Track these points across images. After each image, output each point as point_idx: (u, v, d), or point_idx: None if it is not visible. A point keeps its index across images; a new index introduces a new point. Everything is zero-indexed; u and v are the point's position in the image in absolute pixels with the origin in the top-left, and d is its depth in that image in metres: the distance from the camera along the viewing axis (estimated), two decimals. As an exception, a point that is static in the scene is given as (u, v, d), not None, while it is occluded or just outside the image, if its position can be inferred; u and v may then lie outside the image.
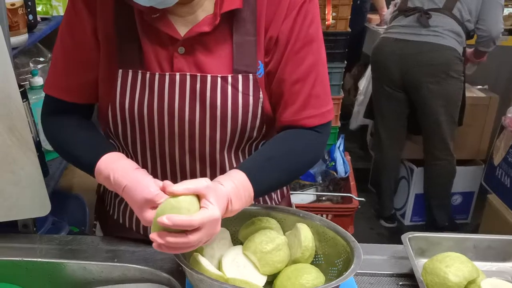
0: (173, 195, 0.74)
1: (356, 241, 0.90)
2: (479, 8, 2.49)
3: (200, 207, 0.75)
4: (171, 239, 0.73)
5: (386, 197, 2.97)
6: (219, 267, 0.90)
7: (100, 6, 0.94)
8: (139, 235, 1.08)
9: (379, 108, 2.82)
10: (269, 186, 0.93)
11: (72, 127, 0.99)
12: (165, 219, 0.71)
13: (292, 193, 2.52)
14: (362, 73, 3.75)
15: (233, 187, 0.82)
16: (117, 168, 0.86)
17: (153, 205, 0.78)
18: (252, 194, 0.85)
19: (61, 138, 0.99)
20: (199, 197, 0.76)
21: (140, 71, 0.92)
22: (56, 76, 1.01)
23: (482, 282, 0.91)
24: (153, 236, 0.74)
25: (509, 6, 3.63)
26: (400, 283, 1.00)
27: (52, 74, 1.02)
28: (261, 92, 0.93)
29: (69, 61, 0.98)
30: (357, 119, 3.58)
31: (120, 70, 0.93)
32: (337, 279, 0.81)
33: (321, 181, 2.61)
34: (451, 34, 2.49)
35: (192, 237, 0.74)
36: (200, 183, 0.76)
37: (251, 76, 0.92)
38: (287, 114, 0.96)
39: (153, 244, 0.75)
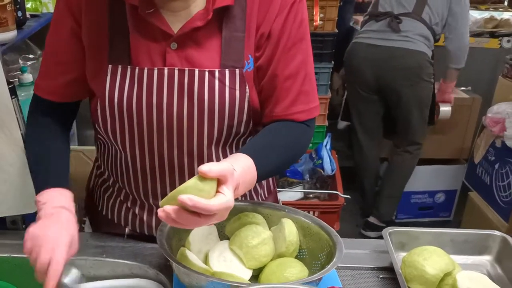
0: (204, 176, 0.74)
1: (339, 236, 0.94)
2: (446, 13, 2.55)
3: (217, 192, 0.76)
4: (185, 217, 0.73)
5: (369, 196, 3.01)
6: (206, 262, 0.93)
7: (89, 6, 0.95)
8: (128, 231, 1.09)
9: (355, 111, 2.87)
10: (269, 172, 0.96)
11: (48, 144, 1.02)
12: (187, 200, 0.71)
13: (280, 191, 2.58)
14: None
15: (241, 172, 0.82)
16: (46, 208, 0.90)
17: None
18: (255, 179, 0.87)
19: (34, 147, 1.04)
20: (219, 181, 0.76)
21: (129, 66, 0.94)
22: (41, 76, 1.04)
23: (457, 274, 0.95)
24: (167, 209, 0.73)
25: (491, 9, 3.72)
26: (381, 276, 1.03)
27: (39, 75, 1.05)
28: (247, 87, 0.96)
29: (50, 62, 1.02)
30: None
31: (110, 66, 0.95)
32: (319, 272, 0.84)
33: (308, 179, 2.65)
34: (421, 38, 2.55)
35: (204, 221, 0.75)
36: (227, 169, 0.77)
37: (237, 71, 0.95)
38: (279, 109, 0.99)
39: (161, 214, 0.74)
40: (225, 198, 0.75)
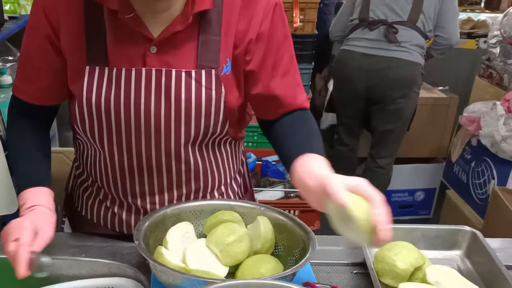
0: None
1: (312, 233, 0.96)
2: (436, 15, 2.52)
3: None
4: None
5: None
6: (183, 260, 0.95)
7: (66, 10, 0.96)
8: (107, 230, 1.11)
9: (339, 112, 2.85)
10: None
11: (27, 144, 1.05)
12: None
13: (261, 190, 2.60)
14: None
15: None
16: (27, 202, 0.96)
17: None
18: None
19: (14, 148, 1.06)
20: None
21: (106, 68, 0.96)
22: (18, 78, 1.06)
23: (427, 268, 0.99)
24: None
25: (468, 10, 3.79)
26: (354, 271, 1.06)
27: (16, 76, 1.06)
28: (223, 87, 0.98)
29: (27, 67, 1.04)
30: (328, 119, 3.68)
31: (87, 67, 0.96)
32: (292, 267, 0.87)
33: (289, 178, 2.67)
34: (417, 48, 2.51)
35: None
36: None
37: (213, 71, 0.97)
38: (285, 105, 1.06)
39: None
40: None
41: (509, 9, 2.76)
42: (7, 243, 0.86)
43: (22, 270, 0.83)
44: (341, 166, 2.94)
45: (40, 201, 0.96)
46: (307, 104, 1.10)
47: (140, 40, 0.95)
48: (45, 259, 0.87)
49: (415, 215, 3.20)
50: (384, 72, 2.49)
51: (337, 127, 2.93)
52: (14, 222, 0.89)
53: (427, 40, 2.59)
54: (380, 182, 2.84)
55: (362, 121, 2.81)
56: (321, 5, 3.81)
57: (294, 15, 2.65)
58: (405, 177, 3.08)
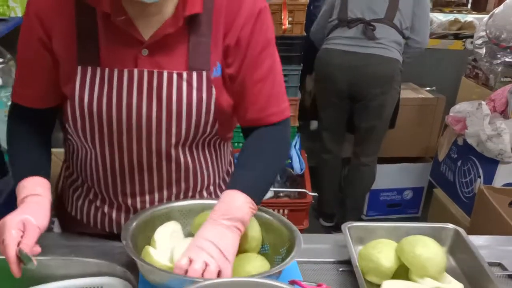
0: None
1: (298, 231, 0.98)
2: (411, 15, 2.58)
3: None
4: None
5: (329, 196, 3.04)
6: (171, 259, 0.96)
7: (57, 12, 0.97)
8: (97, 230, 1.12)
9: (323, 114, 2.86)
10: (261, 198, 1.02)
11: (27, 141, 1.06)
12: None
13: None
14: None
15: (244, 219, 0.94)
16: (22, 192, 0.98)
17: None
18: (255, 206, 0.97)
19: (13, 147, 1.07)
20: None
21: (98, 68, 0.97)
22: (17, 84, 1.07)
23: (384, 283, 0.97)
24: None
25: (455, 11, 3.84)
26: (340, 269, 1.08)
27: (15, 82, 1.07)
28: (213, 89, 1.00)
29: (24, 70, 1.05)
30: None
31: (79, 67, 0.97)
32: (278, 266, 0.88)
33: (279, 178, 2.70)
34: (395, 45, 2.56)
35: None
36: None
37: (204, 73, 0.99)
38: (251, 112, 1.05)
39: None
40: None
41: (494, 10, 2.80)
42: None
43: (13, 269, 0.86)
44: (326, 173, 2.96)
45: (36, 190, 0.97)
46: (279, 117, 1.07)
47: (132, 43, 0.96)
48: (24, 253, 0.88)
49: (403, 213, 3.23)
50: (364, 69, 2.55)
51: (320, 133, 2.94)
52: (1, 222, 0.91)
53: (405, 39, 2.64)
54: (365, 179, 2.88)
55: (345, 124, 2.84)
56: (311, 7, 3.85)
57: (282, 17, 2.66)
58: (394, 176, 3.11)
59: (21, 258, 0.88)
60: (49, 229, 1.22)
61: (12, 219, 0.90)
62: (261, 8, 1.01)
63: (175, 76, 0.97)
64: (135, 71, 0.96)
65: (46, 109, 1.07)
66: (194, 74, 0.98)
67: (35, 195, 0.96)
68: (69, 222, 1.16)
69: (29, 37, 1.01)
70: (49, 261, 1.01)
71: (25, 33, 1.02)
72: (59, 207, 1.20)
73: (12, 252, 0.86)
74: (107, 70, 0.96)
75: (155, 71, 0.96)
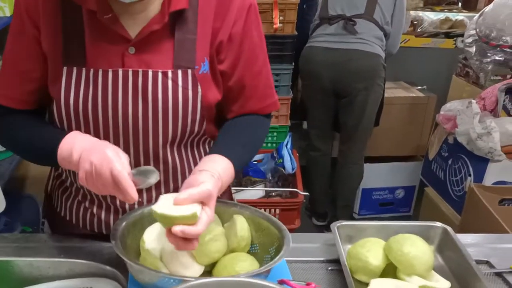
0: (180, 204, 0.84)
1: (287, 230, 0.98)
2: (391, 10, 2.62)
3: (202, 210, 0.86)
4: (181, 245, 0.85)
5: (320, 194, 3.06)
6: (160, 259, 0.96)
7: (43, 11, 0.97)
8: (86, 231, 1.12)
9: (310, 113, 2.88)
10: (241, 166, 1.04)
11: (26, 122, 1.03)
12: (179, 232, 0.82)
13: (243, 189, 2.62)
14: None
15: (223, 173, 0.93)
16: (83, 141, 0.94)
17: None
18: (234, 176, 0.98)
19: (16, 135, 1.03)
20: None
21: (84, 68, 0.96)
22: (2, 84, 1.05)
23: (372, 281, 0.98)
24: (176, 229, 0.83)
25: (446, 10, 3.86)
26: (329, 268, 1.08)
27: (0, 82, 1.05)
28: (199, 87, 1.00)
29: (12, 71, 1.03)
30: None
31: (65, 68, 0.97)
32: (266, 265, 0.89)
33: (270, 178, 2.71)
34: (376, 40, 2.59)
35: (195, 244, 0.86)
36: (203, 193, 0.86)
37: (190, 71, 0.99)
38: (249, 105, 1.09)
39: (171, 239, 0.85)
40: (207, 218, 0.86)
41: (484, 8, 2.82)
42: (101, 178, 0.87)
43: (134, 194, 0.86)
44: (315, 171, 2.97)
45: (88, 138, 0.95)
46: (271, 108, 1.13)
47: (118, 41, 0.96)
48: (142, 167, 0.91)
49: (395, 212, 3.25)
50: (346, 64, 2.57)
51: (309, 132, 2.96)
52: (94, 159, 0.87)
53: (387, 36, 2.67)
54: (353, 177, 2.90)
55: (333, 123, 2.85)
56: (304, 6, 3.85)
57: (274, 16, 2.67)
58: (386, 175, 3.13)
59: (138, 181, 0.89)
60: (38, 230, 1.22)
61: (108, 150, 0.88)
62: (250, 4, 1.03)
63: (160, 75, 0.97)
64: (120, 71, 0.96)
65: (33, 110, 1.06)
66: (180, 72, 0.98)
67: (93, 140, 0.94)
68: (59, 223, 1.16)
69: (21, 36, 0.99)
70: (38, 262, 1.01)
71: (16, 33, 1.01)
72: (48, 208, 1.20)
73: (127, 179, 0.86)
74: (92, 70, 0.96)
75: (140, 70, 0.96)
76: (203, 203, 0.86)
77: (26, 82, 1.02)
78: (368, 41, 2.57)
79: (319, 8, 2.71)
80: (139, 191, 0.98)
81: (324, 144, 2.92)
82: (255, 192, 2.59)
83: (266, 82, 1.10)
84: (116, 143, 1.00)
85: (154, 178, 0.92)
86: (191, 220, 0.83)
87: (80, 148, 0.91)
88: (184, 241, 0.84)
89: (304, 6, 3.83)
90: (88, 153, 0.89)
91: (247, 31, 1.03)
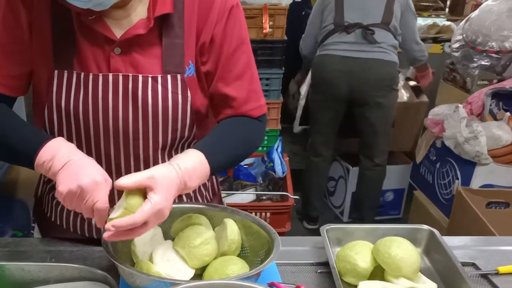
0: (120, 189, 0.83)
1: (277, 234, 0.99)
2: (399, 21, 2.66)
3: (145, 199, 0.83)
4: (123, 234, 0.83)
5: (316, 199, 3.08)
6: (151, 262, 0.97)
7: (37, 5, 0.97)
8: (77, 235, 1.13)
9: (316, 118, 2.87)
10: (222, 166, 1.02)
11: (4, 115, 0.99)
12: (110, 227, 0.80)
13: (233, 193, 2.63)
14: (304, 79, 3.93)
15: (192, 165, 0.90)
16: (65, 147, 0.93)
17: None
18: (209, 172, 0.94)
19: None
20: (147, 188, 0.84)
21: (75, 72, 0.97)
22: None
23: (360, 283, 1.00)
24: (108, 226, 0.82)
25: (433, 16, 3.91)
26: (319, 271, 1.10)
27: None
28: (189, 91, 1.01)
29: (3, 54, 1.00)
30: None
31: (56, 71, 0.97)
32: (256, 268, 0.90)
33: (261, 181, 2.72)
34: (392, 49, 2.62)
35: (140, 229, 0.83)
36: (144, 175, 0.84)
37: (179, 76, 1.00)
38: (233, 108, 1.06)
39: (104, 235, 0.83)
40: (150, 205, 0.82)
41: (470, 14, 2.87)
42: (83, 204, 0.86)
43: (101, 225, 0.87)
44: (315, 176, 2.99)
45: (71, 149, 0.93)
46: (259, 112, 1.09)
47: (104, 42, 0.97)
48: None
49: (385, 215, 3.27)
50: (366, 73, 2.58)
51: (311, 137, 2.96)
52: (82, 182, 0.85)
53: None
54: (380, 179, 2.93)
55: (338, 130, 2.87)
56: (303, 13, 3.88)
57: (263, 21, 2.69)
58: (375, 178, 3.15)
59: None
60: (29, 234, 1.22)
61: (100, 178, 0.87)
62: (232, 5, 1.03)
63: (150, 80, 0.98)
64: (110, 75, 0.97)
65: (6, 96, 1.02)
66: (169, 77, 0.99)
67: (76, 154, 0.92)
68: (49, 228, 1.16)
69: (12, 18, 0.97)
70: (29, 267, 1.01)
71: (5, 18, 0.98)
72: (38, 213, 1.20)
73: (105, 213, 0.86)
74: (82, 74, 0.97)
75: (130, 75, 0.97)
76: (149, 189, 0.84)
77: (13, 65, 1.00)
78: (387, 50, 2.59)
79: (331, 15, 2.65)
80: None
81: (327, 150, 2.93)
82: (246, 196, 2.60)
83: (249, 86, 1.08)
84: (106, 146, 1.01)
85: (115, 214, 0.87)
86: (129, 213, 0.83)
87: (65, 160, 0.89)
88: (125, 232, 0.83)
89: (303, 13, 3.87)
90: (76, 172, 0.87)
91: (227, 32, 1.03)
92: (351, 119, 2.81)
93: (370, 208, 3.01)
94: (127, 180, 0.83)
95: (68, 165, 0.88)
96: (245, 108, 1.07)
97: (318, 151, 2.93)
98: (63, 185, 0.86)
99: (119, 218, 0.81)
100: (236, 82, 1.05)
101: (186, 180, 0.89)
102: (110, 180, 0.90)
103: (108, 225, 0.81)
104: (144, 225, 0.83)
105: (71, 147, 0.93)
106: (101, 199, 0.86)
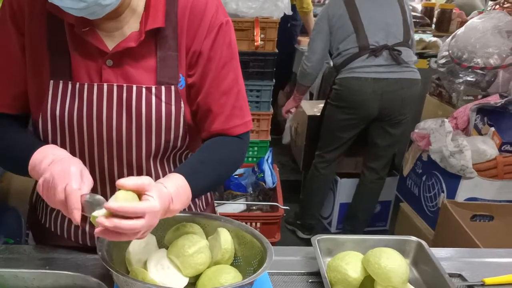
0: (122, 187, 0.83)
1: (270, 243, 1.01)
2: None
3: (141, 200, 0.84)
4: (117, 222, 0.79)
5: (315, 210, 3.11)
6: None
7: (29, 22, 0.99)
8: (71, 243, 1.13)
9: (338, 136, 2.81)
10: (204, 188, 1.03)
11: (5, 129, 1.03)
12: (116, 207, 0.79)
13: (224, 203, 2.65)
14: (294, 91, 3.98)
15: (175, 189, 0.90)
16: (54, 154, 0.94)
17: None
18: (190, 196, 0.95)
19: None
20: (140, 193, 0.84)
21: (70, 82, 0.98)
22: None
23: None
24: (100, 220, 0.80)
25: (420, 31, 3.98)
26: (310, 280, 1.11)
27: None
28: (182, 103, 1.03)
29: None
30: (288, 134, 3.78)
31: (51, 81, 0.99)
32: (249, 277, 0.91)
33: (251, 192, 2.74)
34: (415, 66, 2.68)
35: (136, 224, 0.81)
36: (144, 179, 0.85)
37: (173, 87, 1.01)
38: (216, 124, 1.06)
39: (97, 230, 0.81)
40: (149, 202, 0.83)
41: (456, 31, 2.93)
42: (55, 190, 0.85)
43: (76, 216, 0.84)
44: (322, 188, 3.02)
45: (62, 153, 0.95)
46: (243, 129, 1.09)
47: (97, 54, 0.98)
48: (98, 197, 0.86)
49: (372, 227, 3.28)
50: (397, 93, 2.61)
51: (327, 153, 2.91)
52: (55, 170, 0.87)
53: None
54: (378, 191, 2.96)
55: (349, 145, 2.87)
56: (289, 25, 3.94)
57: (255, 33, 2.73)
58: (363, 190, 3.18)
59: (87, 205, 0.85)
60: (21, 241, 1.22)
61: (72, 168, 0.87)
62: (222, 23, 1.04)
63: (144, 90, 0.99)
64: (105, 85, 0.98)
65: (12, 115, 1.05)
66: (163, 88, 1.00)
67: (67, 156, 0.94)
68: (44, 234, 1.16)
69: (6, 42, 1.00)
70: (23, 274, 1.01)
71: (1, 36, 1.01)
72: (33, 219, 1.20)
73: (77, 198, 0.84)
74: (78, 84, 0.98)
75: (125, 85, 0.98)
76: (146, 190, 0.84)
77: (13, 87, 1.03)
78: (414, 68, 2.65)
79: (351, 37, 2.61)
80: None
81: (338, 163, 2.96)
82: (237, 206, 2.61)
83: (235, 103, 1.07)
84: (100, 154, 1.02)
85: (98, 213, 0.84)
86: None
87: (50, 160, 0.92)
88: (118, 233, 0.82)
89: (289, 25, 3.92)
90: (54, 164, 0.90)
91: (216, 49, 1.03)
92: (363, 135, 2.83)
93: (364, 220, 3.04)
94: (127, 180, 0.83)
95: (53, 164, 0.90)
96: (229, 125, 1.07)
97: (331, 166, 2.93)
98: (41, 178, 0.89)
99: (120, 204, 0.80)
100: (221, 98, 1.05)
101: (169, 204, 0.89)
102: (90, 178, 0.90)
103: (107, 205, 0.79)
104: (139, 224, 0.81)
105: (61, 150, 0.95)
106: (71, 183, 0.85)
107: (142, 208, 0.81)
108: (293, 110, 3.15)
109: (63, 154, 0.94)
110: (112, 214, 0.80)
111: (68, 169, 0.87)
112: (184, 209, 1.15)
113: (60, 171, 0.87)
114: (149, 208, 0.82)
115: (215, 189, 2.65)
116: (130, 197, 0.83)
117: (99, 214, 0.81)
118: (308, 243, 1.14)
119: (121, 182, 0.83)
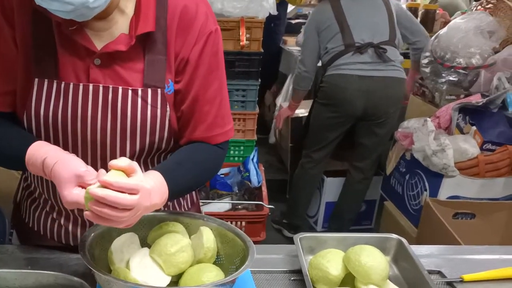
0: (115, 168, 0.85)
1: (252, 242, 1.02)
2: (401, 29, 2.78)
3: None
4: (111, 193, 0.81)
5: (302, 210, 3.14)
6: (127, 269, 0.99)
7: (17, 18, 0.98)
8: (54, 242, 1.13)
9: (325, 136, 2.83)
10: (180, 190, 1.03)
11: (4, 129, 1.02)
12: (111, 180, 0.81)
13: (209, 202, 2.65)
14: (280, 91, 4.00)
15: (153, 185, 0.90)
16: (50, 149, 0.95)
17: (81, 181, 0.87)
18: (167, 194, 0.95)
19: None
20: (129, 175, 0.86)
21: (55, 81, 0.98)
22: None
23: None
24: (93, 190, 0.81)
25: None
26: (292, 278, 1.13)
27: None
28: (168, 107, 1.03)
29: None
30: (276, 133, 3.80)
31: (36, 79, 0.98)
32: (231, 275, 0.93)
33: (237, 191, 2.75)
34: (401, 65, 2.70)
35: (131, 198, 0.82)
36: (134, 163, 0.87)
37: (159, 90, 1.01)
38: (198, 132, 1.07)
39: (87, 213, 0.83)
40: (139, 178, 0.85)
41: (439, 31, 2.97)
42: (69, 188, 0.87)
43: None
44: (310, 187, 3.05)
45: (57, 149, 0.96)
46: (223, 138, 1.10)
47: (84, 53, 0.98)
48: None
49: (358, 225, 3.30)
50: (383, 92, 2.64)
51: (314, 152, 2.93)
52: (63, 169, 0.89)
53: None
54: (365, 191, 3.01)
55: (336, 145, 2.90)
56: (272, 24, 3.95)
57: (240, 33, 2.73)
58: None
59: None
60: (5, 241, 1.22)
61: (82, 164, 0.90)
62: (211, 31, 1.05)
63: (130, 92, 0.99)
64: (90, 85, 0.98)
65: (3, 112, 1.04)
66: (149, 91, 1.01)
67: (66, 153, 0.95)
68: (27, 234, 1.16)
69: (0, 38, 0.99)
70: (5, 274, 1.00)
71: None
72: (17, 218, 1.20)
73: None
74: (63, 83, 0.98)
75: (111, 86, 0.98)
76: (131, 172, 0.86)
77: (3, 81, 1.02)
78: (399, 67, 2.67)
79: (337, 37, 2.64)
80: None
81: (325, 163, 2.98)
82: (222, 205, 2.62)
83: (217, 111, 1.08)
84: (84, 154, 1.03)
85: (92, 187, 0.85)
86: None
87: (52, 158, 0.92)
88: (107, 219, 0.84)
89: (272, 24, 3.94)
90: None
91: (204, 57, 1.04)
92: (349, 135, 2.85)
93: (350, 219, 3.07)
94: (120, 161, 0.86)
95: (56, 165, 0.91)
96: (210, 134, 1.08)
97: (319, 165, 2.96)
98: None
99: (115, 178, 0.81)
100: (205, 106, 1.06)
101: (152, 193, 0.89)
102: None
103: (102, 179, 0.81)
104: (128, 210, 0.83)
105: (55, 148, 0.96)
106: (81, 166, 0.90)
107: (135, 183, 0.83)
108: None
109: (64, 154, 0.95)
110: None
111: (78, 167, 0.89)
112: (168, 209, 1.17)
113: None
114: (141, 184, 0.84)
115: (200, 189, 2.66)
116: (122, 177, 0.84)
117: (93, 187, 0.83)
118: (293, 241, 1.16)
119: (113, 162, 0.85)
